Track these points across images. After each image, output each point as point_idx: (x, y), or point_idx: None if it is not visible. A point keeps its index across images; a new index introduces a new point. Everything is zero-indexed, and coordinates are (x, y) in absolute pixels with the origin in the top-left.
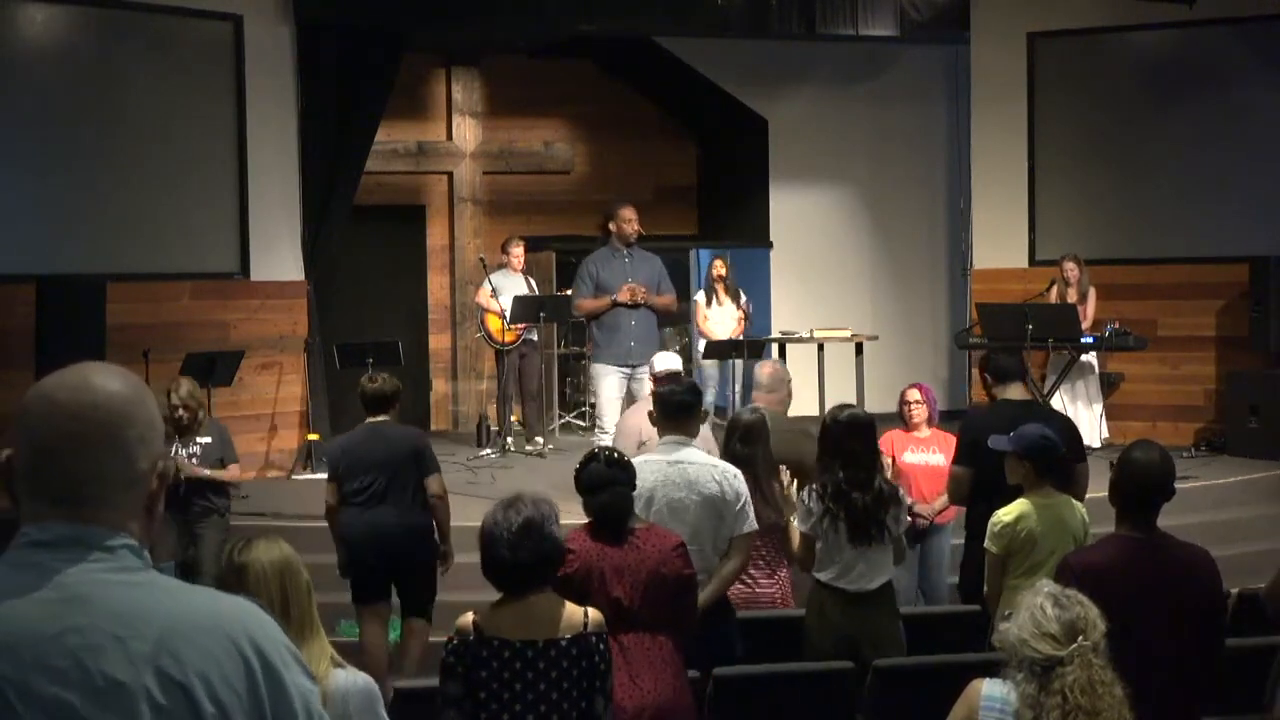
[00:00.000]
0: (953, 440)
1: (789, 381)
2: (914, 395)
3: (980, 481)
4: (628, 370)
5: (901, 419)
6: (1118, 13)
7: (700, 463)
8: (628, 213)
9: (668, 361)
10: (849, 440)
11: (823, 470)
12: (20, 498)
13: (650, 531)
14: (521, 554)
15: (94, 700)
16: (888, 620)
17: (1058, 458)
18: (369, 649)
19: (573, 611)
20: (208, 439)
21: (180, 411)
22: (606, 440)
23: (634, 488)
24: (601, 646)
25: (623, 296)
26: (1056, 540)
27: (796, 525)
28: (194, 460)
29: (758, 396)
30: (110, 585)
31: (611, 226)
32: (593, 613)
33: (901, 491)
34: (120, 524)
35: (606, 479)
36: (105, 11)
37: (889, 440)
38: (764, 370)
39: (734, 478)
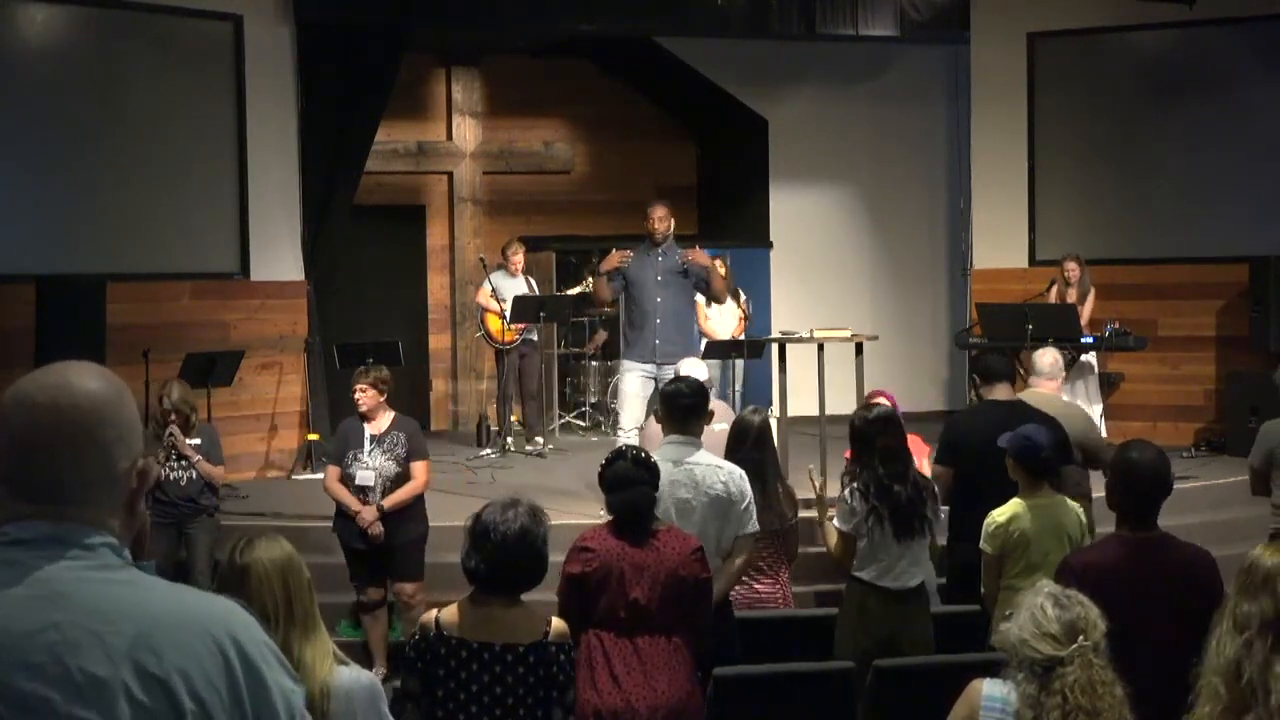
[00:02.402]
0: (915, 440)
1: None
2: (884, 404)
3: (961, 481)
4: (651, 369)
5: None
6: (1118, 13)
7: (706, 464)
8: (653, 211)
9: (693, 369)
10: (883, 436)
11: (861, 468)
12: (0, 497)
13: (670, 533)
14: (508, 559)
15: (73, 696)
16: (925, 618)
17: (1038, 459)
18: None
19: (534, 620)
20: (197, 440)
21: (172, 416)
22: (624, 439)
23: (657, 488)
24: (562, 658)
25: (605, 266)
26: (1051, 541)
27: (836, 525)
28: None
29: (1039, 382)
30: (89, 582)
31: (646, 225)
32: (556, 623)
33: (935, 486)
34: (100, 522)
35: (631, 478)
36: (105, 11)
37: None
38: (1046, 359)
39: (739, 478)
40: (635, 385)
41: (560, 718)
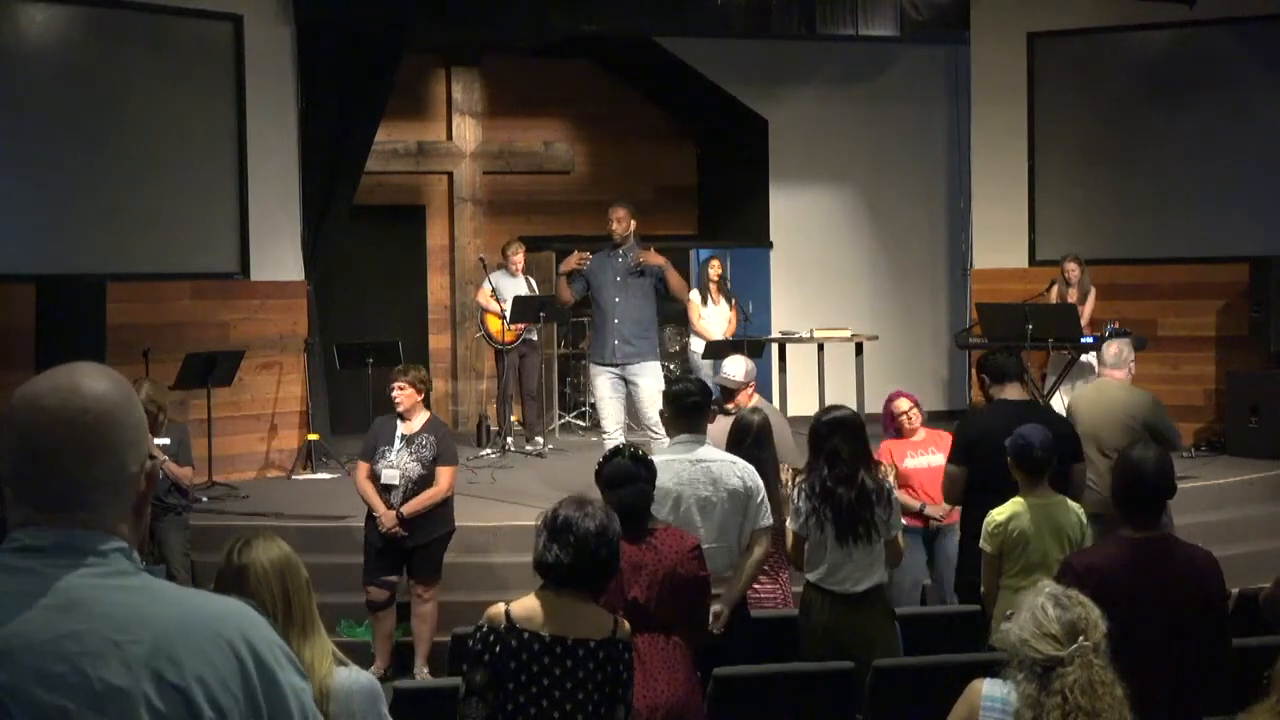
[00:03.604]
0: (947, 437)
1: (1131, 360)
2: (905, 405)
3: (976, 481)
4: (616, 370)
5: (894, 430)
6: (1118, 13)
7: (720, 460)
8: (612, 212)
9: (735, 366)
10: (833, 439)
11: (810, 470)
12: (8, 502)
13: (667, 532)
14: (589, 555)
15: (92, 706)
16: (878, 623)
17: (1031, 458)
18: None
19: (603, 617)
20: (166, 440)
21: None
22: (610, 441)
23: (654, 485)
24: (628, 656)
25: (564, 268)
26: (1049, 540)
27: (789, 525)
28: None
29: (1106, 372)
30: (105, 590)
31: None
32: (623, 623)
33: (895, 495)
34: (111, 527)
35: (630, 475)
36: (105, 11)
37: (887, 450)
38: (1109, 350)
39: (752, 473)
40: (606, 388)
41: (622, 715)
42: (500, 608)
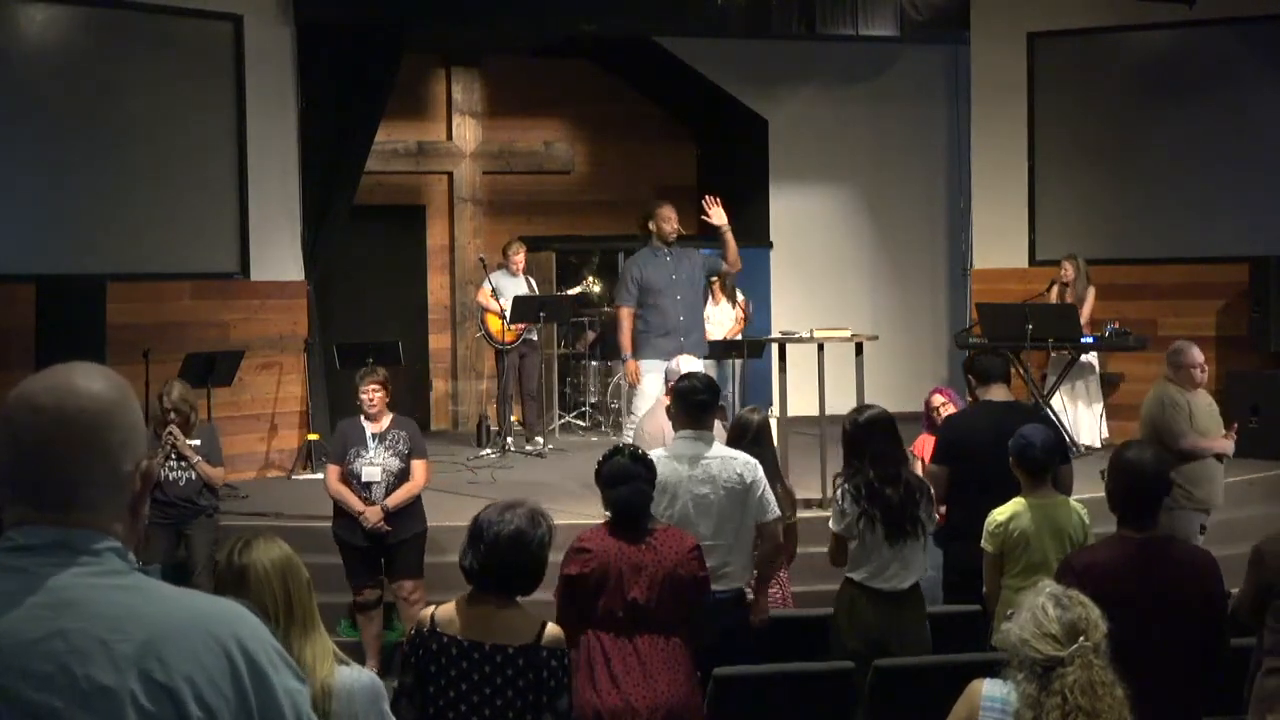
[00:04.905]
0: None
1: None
2: (938, 400)
3: (959, 481)
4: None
5: (929, 426)
6: (1118, 13)
7: (720, 456)
8: (666, 211)
9: (691, 367)
10: (873, 439)
11: (853, 472)
12: (4, 501)
13: (667, 533)
14: (500, 559)
15: (79, 705)
16: (918, 619)
17: (1033, 459)
18: None
19: (527, 623)
20: (197, 441)
21: (172, 415)
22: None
23: (654, 485)
24: (553, 663)
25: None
26: (1050, 540)
27: (831, 526)
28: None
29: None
30: (97, 589)
31: (651, 226)
32: (550, 628)
33: (929, 486)
34: (105, 526)
35: (629, 473)
36: (105, 11)
37: (922, 444)
38: (1169, 349)
39: (754, 468)
40: (655, 385)
41: None
42: (428, 611)
